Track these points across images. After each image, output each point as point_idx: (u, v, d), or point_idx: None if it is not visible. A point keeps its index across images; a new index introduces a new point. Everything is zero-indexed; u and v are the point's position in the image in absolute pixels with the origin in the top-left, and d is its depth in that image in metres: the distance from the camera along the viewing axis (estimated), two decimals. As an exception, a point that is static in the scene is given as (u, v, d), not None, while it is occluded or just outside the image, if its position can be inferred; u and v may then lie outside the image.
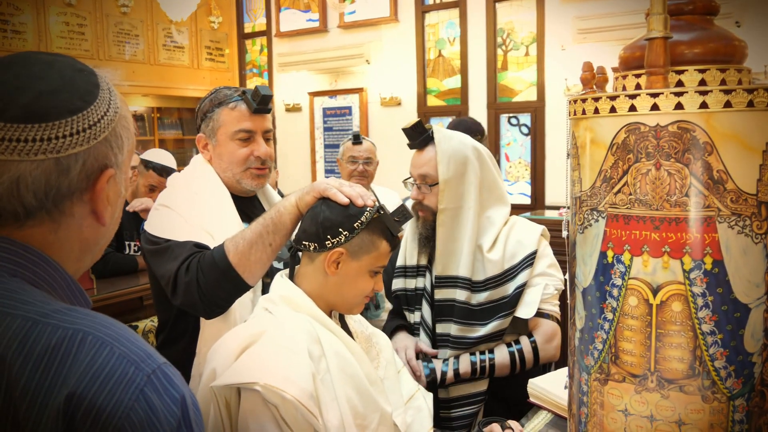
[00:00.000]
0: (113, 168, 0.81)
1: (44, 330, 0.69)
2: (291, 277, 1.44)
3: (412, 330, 2.05)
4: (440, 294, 1.94)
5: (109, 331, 0.72)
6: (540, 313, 1.88)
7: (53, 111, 0.75)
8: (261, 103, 1.74)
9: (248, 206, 1.82)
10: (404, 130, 1.93)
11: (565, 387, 1.22)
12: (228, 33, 7.03)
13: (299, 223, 1.46)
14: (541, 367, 1.97)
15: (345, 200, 1.37)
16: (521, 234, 1.93)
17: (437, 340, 1.95)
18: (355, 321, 1.55)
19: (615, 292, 0.95)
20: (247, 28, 7.06)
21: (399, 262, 2.10)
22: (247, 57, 7.09)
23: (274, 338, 1.27)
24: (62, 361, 0.68)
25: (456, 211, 1.90)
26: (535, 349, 1.89)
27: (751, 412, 0.91)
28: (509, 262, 1.90)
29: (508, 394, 1.92)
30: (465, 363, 1.88)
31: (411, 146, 1.97)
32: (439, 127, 1.99)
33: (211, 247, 1.55)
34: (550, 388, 1.64)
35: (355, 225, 1.35)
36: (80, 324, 0.71)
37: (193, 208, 1.69)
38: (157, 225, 1.66)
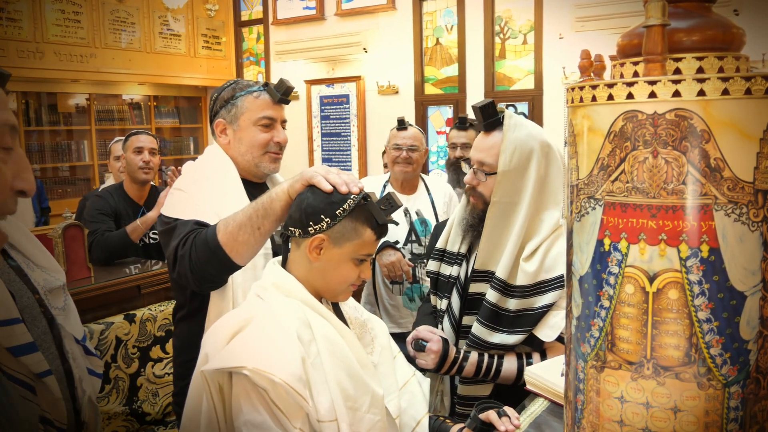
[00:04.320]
0: None
1: None
2: (284, 263, 1.45)
3: (439, 317, 2.00)
4: (474, 287, 1.87)
5: None
6: (560, 338, 1.76)
7: None
8: (284, 95, 1.92)
9: (259, 192, 1.86)
10: (474, 107, 1.81)
11: (562, 374, 1.23)
12: (224, 21, 6.98)
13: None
14: None
15: (328, 187, 1.38)
16: (564, 247, 1.81)
17: (461, 332, 1.90)
18: (350, 307, 1.56)
19: (612, 279, 0.95)
20: (244, 16, 7.02)
21: (439, 245, 2.04)
22: (244, 45, 7.05)
23: (263, 323, 1.29)
24: None
25: (508, 207, 1.78)
26: None
27: (747, 399, 0.92)
28: (543, 275, 1.77)
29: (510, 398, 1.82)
30: (473, 357, 1.82)
31: (474, 126, 1.86)
32: (511, 112, 1.83)
33: None
34: (546, 375, 1.64)
35: (337, 212, 1.36)
36: None
37: (204, 191, 1.79)
38: (170, 207, 1.77)
